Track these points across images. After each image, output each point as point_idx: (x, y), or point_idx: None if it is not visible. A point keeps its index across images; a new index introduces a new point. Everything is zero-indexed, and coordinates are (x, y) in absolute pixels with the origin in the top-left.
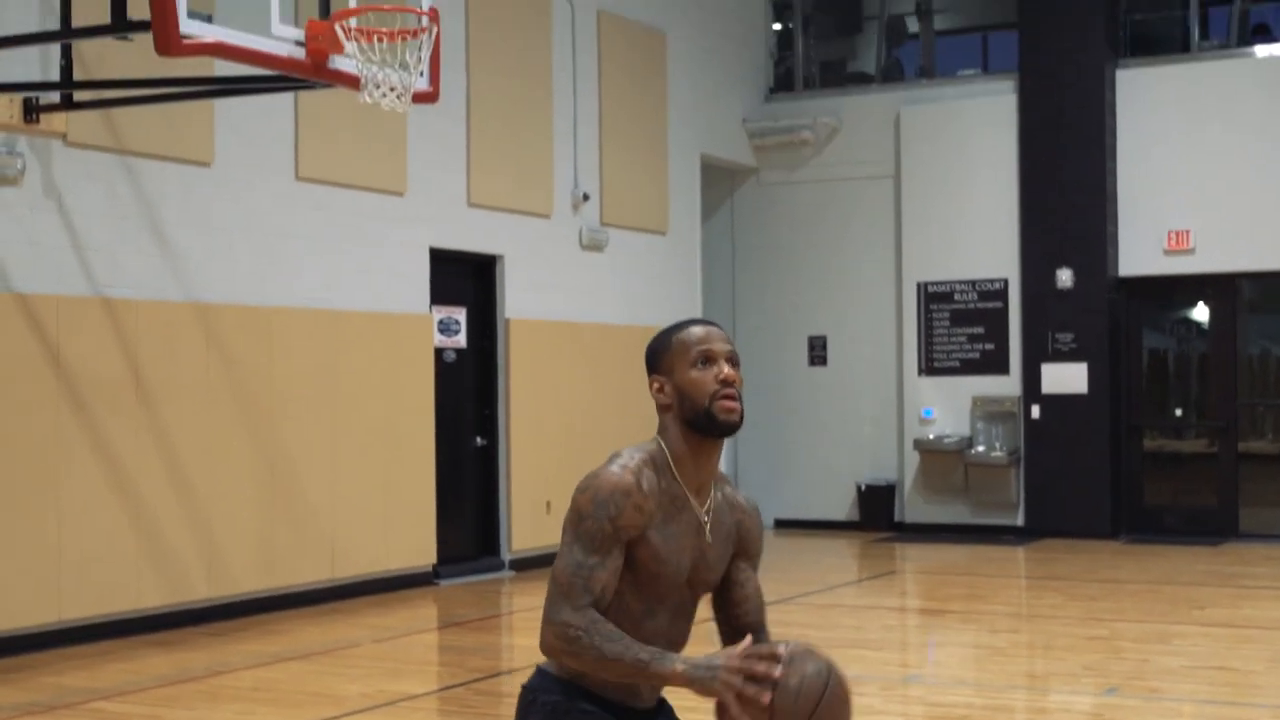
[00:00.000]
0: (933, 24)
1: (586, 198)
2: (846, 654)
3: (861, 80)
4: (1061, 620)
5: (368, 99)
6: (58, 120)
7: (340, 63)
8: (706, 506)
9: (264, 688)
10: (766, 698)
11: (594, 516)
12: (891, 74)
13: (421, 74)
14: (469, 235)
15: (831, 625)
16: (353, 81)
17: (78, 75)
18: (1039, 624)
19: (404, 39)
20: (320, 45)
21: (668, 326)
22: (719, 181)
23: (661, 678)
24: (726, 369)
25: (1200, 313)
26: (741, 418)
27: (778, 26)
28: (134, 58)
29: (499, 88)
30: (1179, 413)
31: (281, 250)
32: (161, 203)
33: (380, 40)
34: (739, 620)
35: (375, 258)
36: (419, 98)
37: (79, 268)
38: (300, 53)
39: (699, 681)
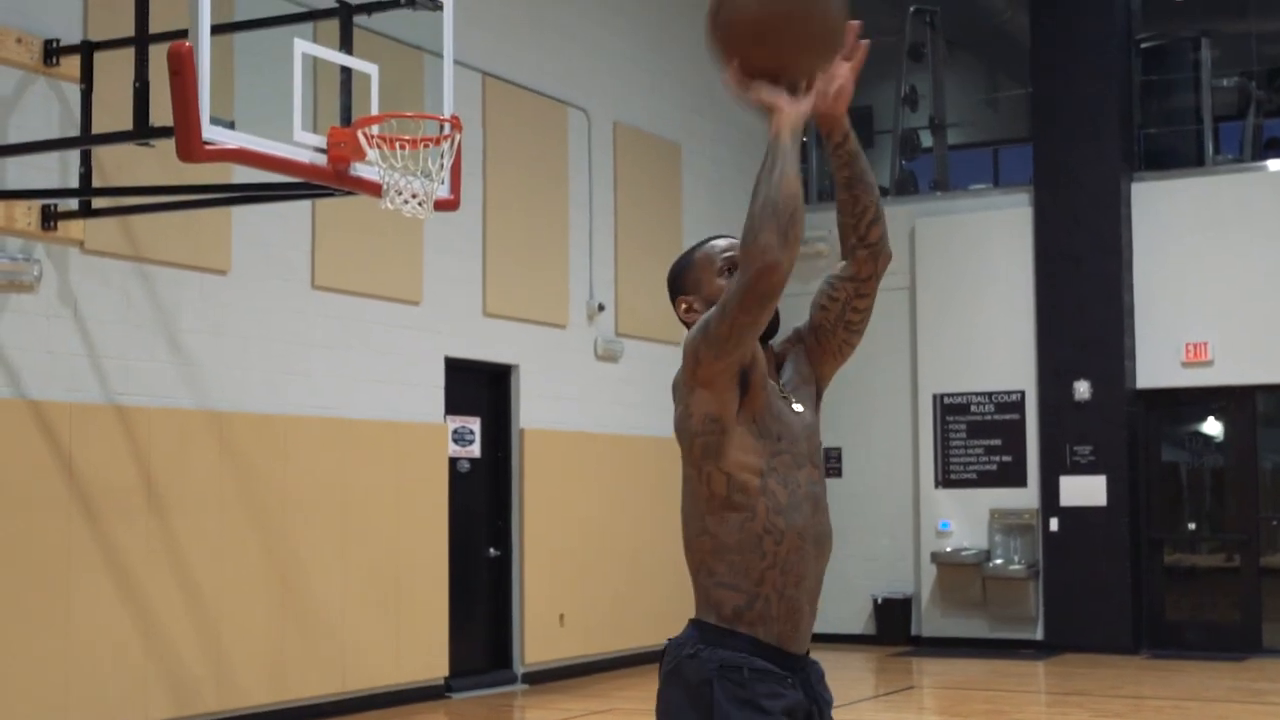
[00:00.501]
0: (946, 138)
1: (602, 308)
2: None
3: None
4: None
5: (389, 206)
6: (75, 227)
7: (361, 170)
8: (781, 381)
9: None
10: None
11: (718, 318)
12: (906, 187)
13: (443, 182)
14: (484, 345)
15: None
16: (374, 189)
17: (96, 182)
18: None
19: (426, 146)
20: (342, 152)
21: (688, 248)
22: None
23: (778, 136)
24: None
25: (1218, 425)
26: (777, 318)
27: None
28: (153, 165)
29: (515, 198)
30: (1196, 526)
31: (297, 358)
32: (177, 310)
33: (402, 147)
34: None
35: (390, 366)
36: (440, 205)
37: (93, 374)
38: (322, 159)
39: (792, 122)
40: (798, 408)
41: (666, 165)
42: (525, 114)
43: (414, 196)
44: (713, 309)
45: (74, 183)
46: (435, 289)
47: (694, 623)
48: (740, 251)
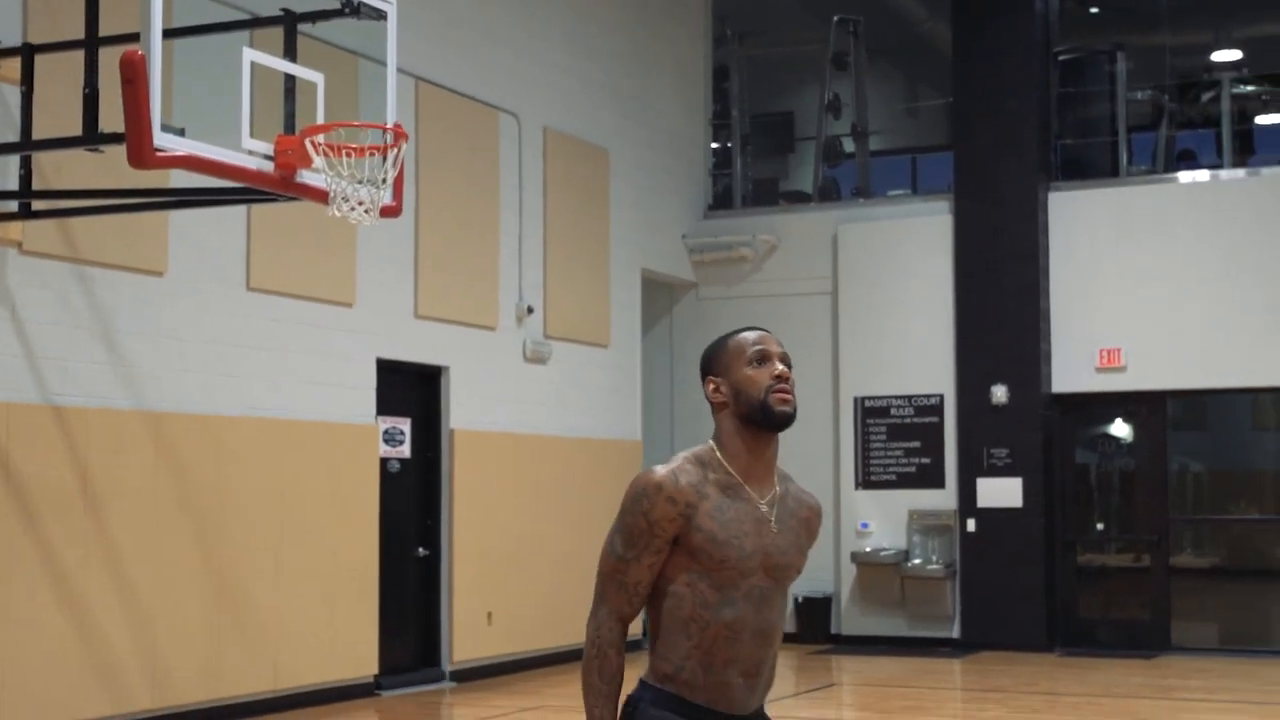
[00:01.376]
0: (868, 145)
1: (531, 311)
2: None
3: (799, 199)
4: None
5: (336, 213)
6: (13, 229)
7: (308, 177)
8: (769, 499)
9: None
10: None
11: (630, 511)
12: (828, 193)
13: (386, 188)
14: (415, 346)
15: None
16: (320, 196)
17: (35, 184)
18: None
19: (372, 154)
20: (289, 159)
21: (721, 336)
22: (658, 296)
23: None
24: (780, 366)
25: (1130, 429)
26: (795, 410)
27: (716, 145)
28: (91, 167)
29: (447, 201)
30: (1108, 527)
31: (231, 359)
32: (114, 311)
33: (348, 155)
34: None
35: (323, 368)
36: (384, 212)
37: (30, 375)
38: (269, 166)
39: None
40: (774, 528)
41: (595, 170)
42: (457, 119)
43: (360, 204)
44: (608, 545)
45: (13, 184)
46: (368, 291)
47: (640, 681)
48: (592, 616)
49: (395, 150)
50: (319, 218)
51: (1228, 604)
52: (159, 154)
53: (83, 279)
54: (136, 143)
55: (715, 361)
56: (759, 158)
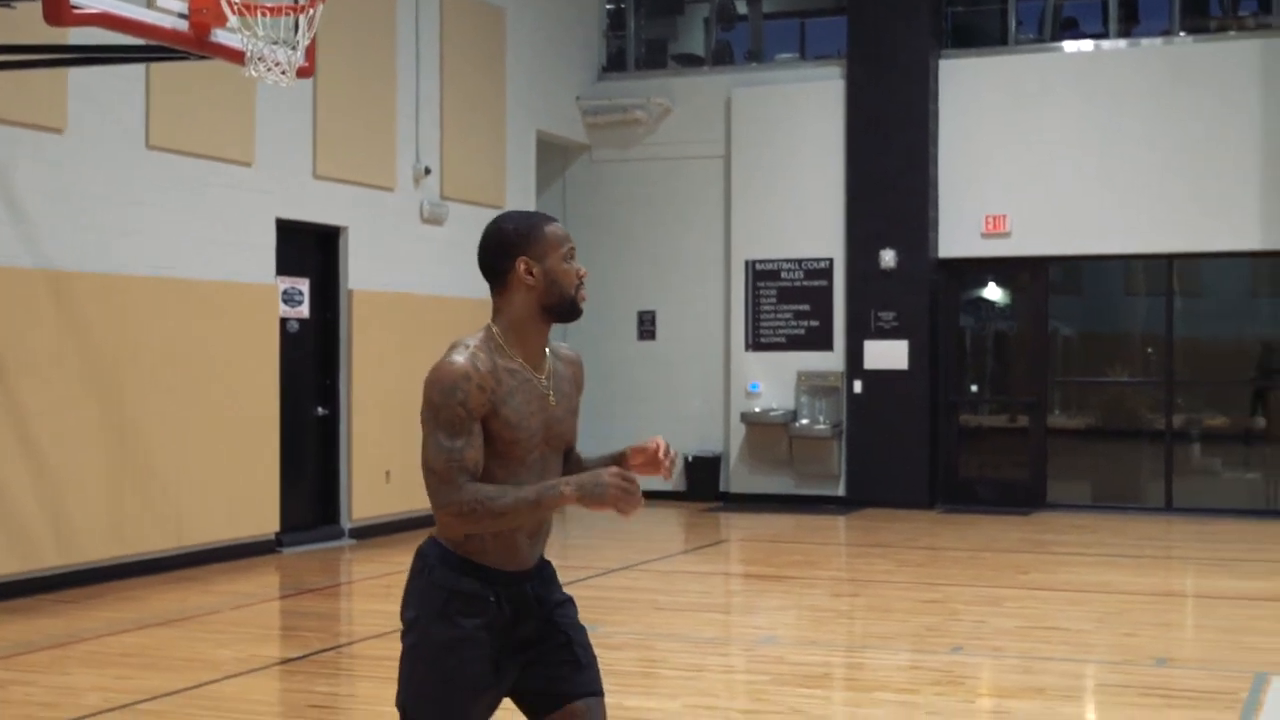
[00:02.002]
0: (761, 9)
1: (428, 171)
2: (701, 618)
3: (691, 62)
4: (896, 585)
5: (252, 74)
6: None
7: (222, 36)
8: (546, 374)
9: (136, 653)
10: (639, 503)
11: (446, 405)
12: (722, 57)
13: (301, 48)
14: (314, 207)
15: (679, 591)
16: (236, 56)
17: None
18: (875, 589)
19: (287, 14)
20: (204, 19)
21: (518, 214)
22: (552, 158)
23: (555, 503)
24: (583, 268)
25: (1014, 294)
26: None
27: (610, 7)
28: None
29: (345, 61)
30: (990, 389)
31: (132, 218)
32: (13, 168)
33: (264, 14)
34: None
35: (223, 227)
36: (299, 73)
37: None
38: (184, 25)
39: (591, 496)
40: (552, 402)
41: (491, 31)
42: None
43: (276, 64)
44: (434, 445)
45: None
46: (267, 151)
47: (431, 538)
48: (451, 508)
49: (312, 11)
50: (219, 76)
51: (1101, 463)
52: (75, 11)
53: None
54: (54, 0)
55: (530, 243)
56: (654, 19)
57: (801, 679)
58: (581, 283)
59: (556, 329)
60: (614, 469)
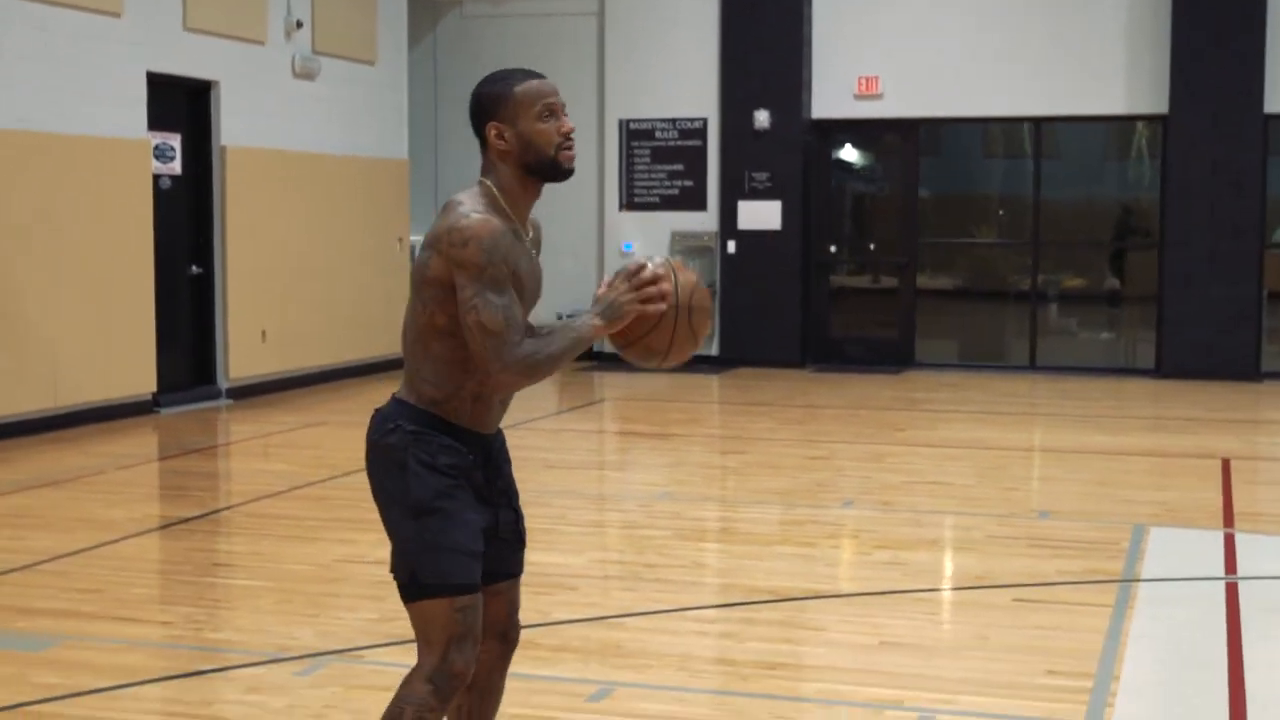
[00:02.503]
0: None
1: (300, 25)
2: (596, 475)
3: None
4: (780, 442)
5: None
6: None
7: None
8: (530, 236)
9: (26, 514)
10: (665, 304)
11: (491, 263)
12: None
13: None
14: (185, 60)
15: (567, 449)
16: None
17: None
18: (761, 446)
19: None
20: None
21: (497, 75)
22: (423, 13)
23: (593, 336)
24: (568, 122)
25: (885, 156)
26: (573, 168)
27: None
28: None
29: None
30: (861, 250)
31: None
32: None
33: None
34: None
35: (93, 81)
36: None
37: None
38: None
39: (615, 318)
40: (538, 260)
41: None
42: None
43: None
44: (487, 304)
45: None
46: (136, 2)
47: (397, 400)
48: (514, 365)
49: None
50: None
51: (967, 323)
52: None
53: None
54: None
55: (499, 106)
56: None
57: (700, 533)
58: (565, 140)
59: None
60: (617, 285)
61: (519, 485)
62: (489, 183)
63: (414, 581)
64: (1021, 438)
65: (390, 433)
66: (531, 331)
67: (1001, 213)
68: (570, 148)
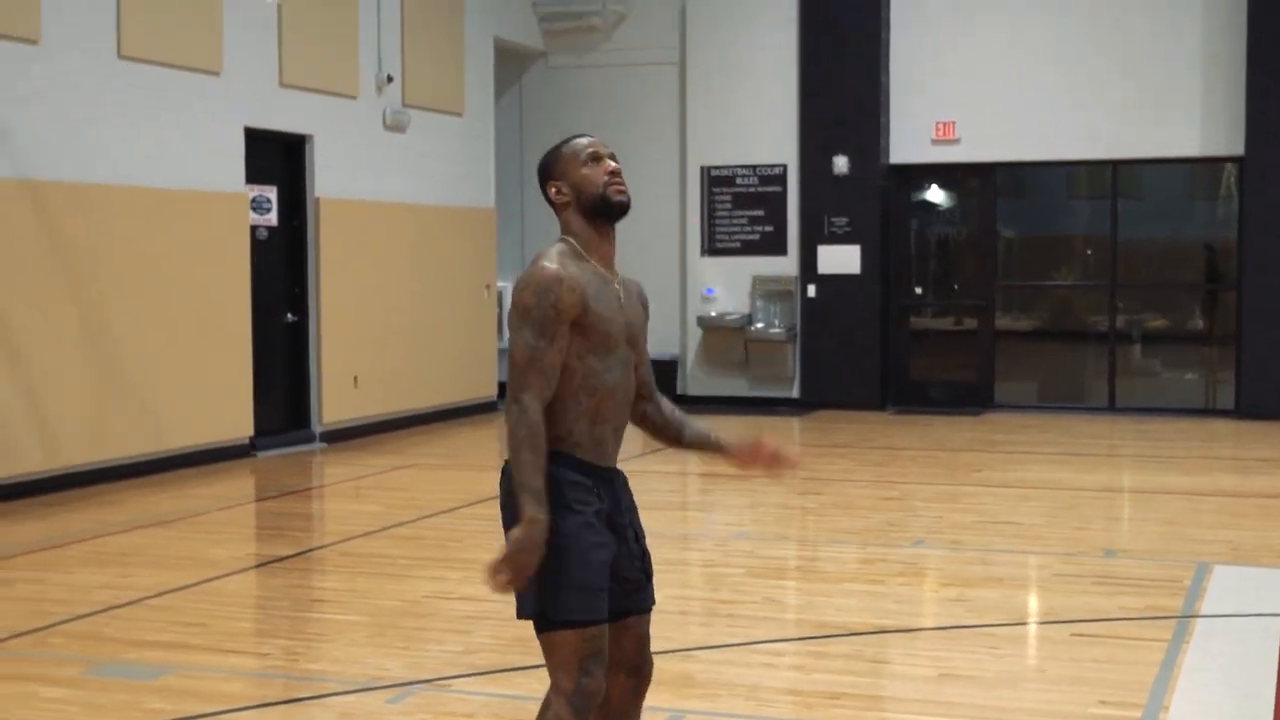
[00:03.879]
0: None
1: (390, 79)
2: (674, 515)
3: None
4: (856, 483)
5: None
6: None
7: None
8: (617, 280)
9: (134, 553)
10: (495, 587)
11: (539, 305)
12: None
13: None
14: (281, 115)
15: (650, 490)
16: None
17: None
18: (838, 487)
19: None
20: None
21: (554, 145)
22: (509, 64)
23: (519, 511)
24: (612, 163)
25: (963, 199)
26: (629, 199)
27: None
28: None
29: None
30: (940, 293)
31: (105, 128)
32: None
33: None
34: (639, 378)
35: (193, 136)
36: None
37: None
38: None
39: (520, 537)
40: (624, 301)
41: None
42: None
43: None
44: (521, 341)
45: None
46: (234, 60)
47: None
48: (514, 403)
49: None
50: None
51: (1046, 364)
52: None
53: None
54: None
55: (553, 166)
56: None
57: (774, 571)
58: (612, 177)
59: None
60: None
61: None
62: (568, 237)
63: (543, 617)
64: (1096, 478)
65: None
66: (651, 398)
67: (1090, 253)
68: (618, 184)
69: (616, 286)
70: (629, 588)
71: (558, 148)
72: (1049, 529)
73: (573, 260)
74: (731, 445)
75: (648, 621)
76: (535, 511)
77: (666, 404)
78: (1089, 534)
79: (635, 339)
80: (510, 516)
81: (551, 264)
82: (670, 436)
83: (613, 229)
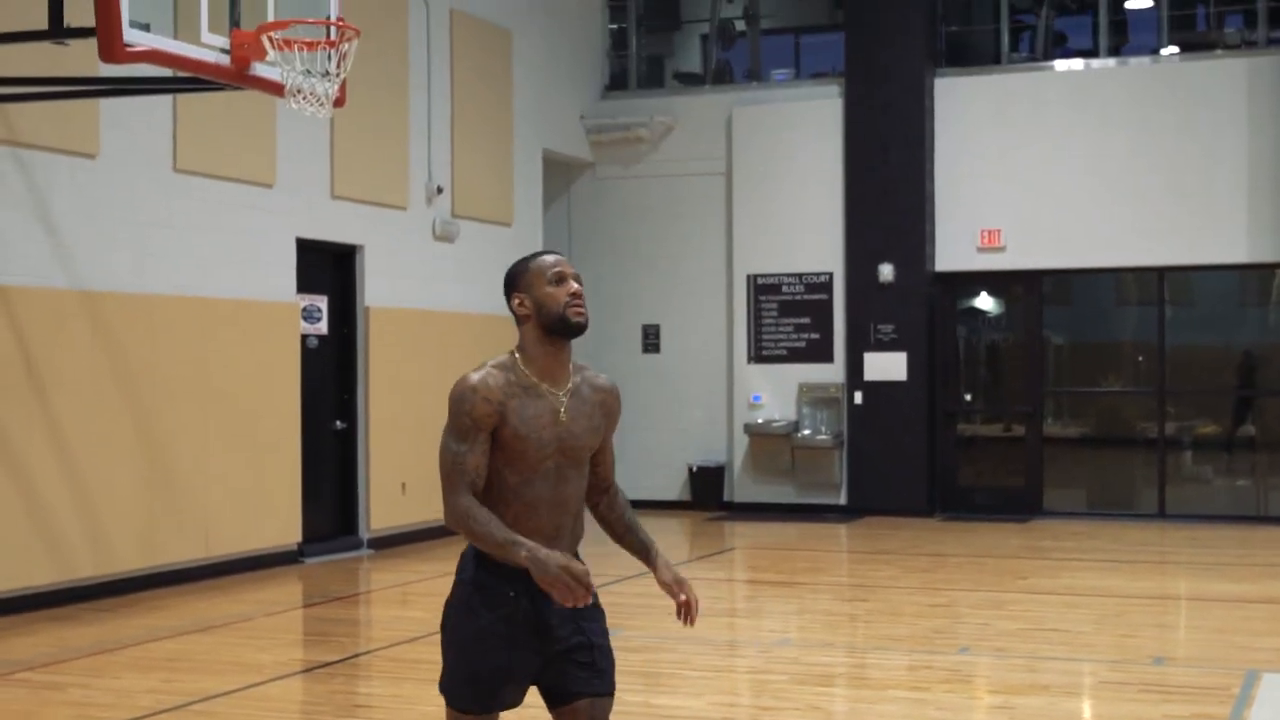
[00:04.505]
0: (759, 26)
1: (440, 190)
2: (719, 622)
3: (692, 80)
4: (902, 590)
5: (293, 105)
6: None
7: (261, 70)
8: (565, 392)
9: (180, 658)
10: (584, 600)
11: (456, 413)
12: (721, 76)
13: (337, 81)
14: (331, 226)
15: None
16: (273, 88)
17: None
18: (882, 593)
19: (323, 49)
20: (245, 53)
21: (521, 259)
22: (558, 175)
23: (514, 558)
24: (575, 285)
25: (1009, 306)
26: (587, 321)
27: (613, 27)
28: (29, 55)
29: (360, 83)
30: (987, 399)
31: (160, 239)
32: (50, 192)
33: (301, 49)
34: (595, 472)
35: (246, 247)
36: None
37: None
38: (226, 60)
39: (540, 571)
40: (564, 417)
41: (499, 51)
42: (368, 1)
43: (314, 96)
44: (444, 448)
45: None
46: (287, 172)
47: (463, 555)
48: (449, 506)
49: (346, 45)
50: (241, 103)
51: (1095, 471)
52: (129, 49)
53: (20, 161)
54: (107, 38)
55: (520, 280)
56: (654, 39)
57: (818, 678)
58: (573, 299)
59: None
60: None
61: (644, 631)
62: (516, 352)
63: (444, 695)
64: (1145, 585)
65: (458, 569)
66: (616, 504)
67: (1141, 359)
68: (578, 305)
69: (561, 398)
70: (575, 671)
71: (525, 262)
72: (1096, 636)
73: (504, 372)
74: (659, 571)
75: (603, 706)
76: (523, 551)
77: (621, 501)
78: (1137, 641)
79: (574, 450)
80: (451, 592)
81: (476, 374)
82: (615, 534)
83: (568, 345)
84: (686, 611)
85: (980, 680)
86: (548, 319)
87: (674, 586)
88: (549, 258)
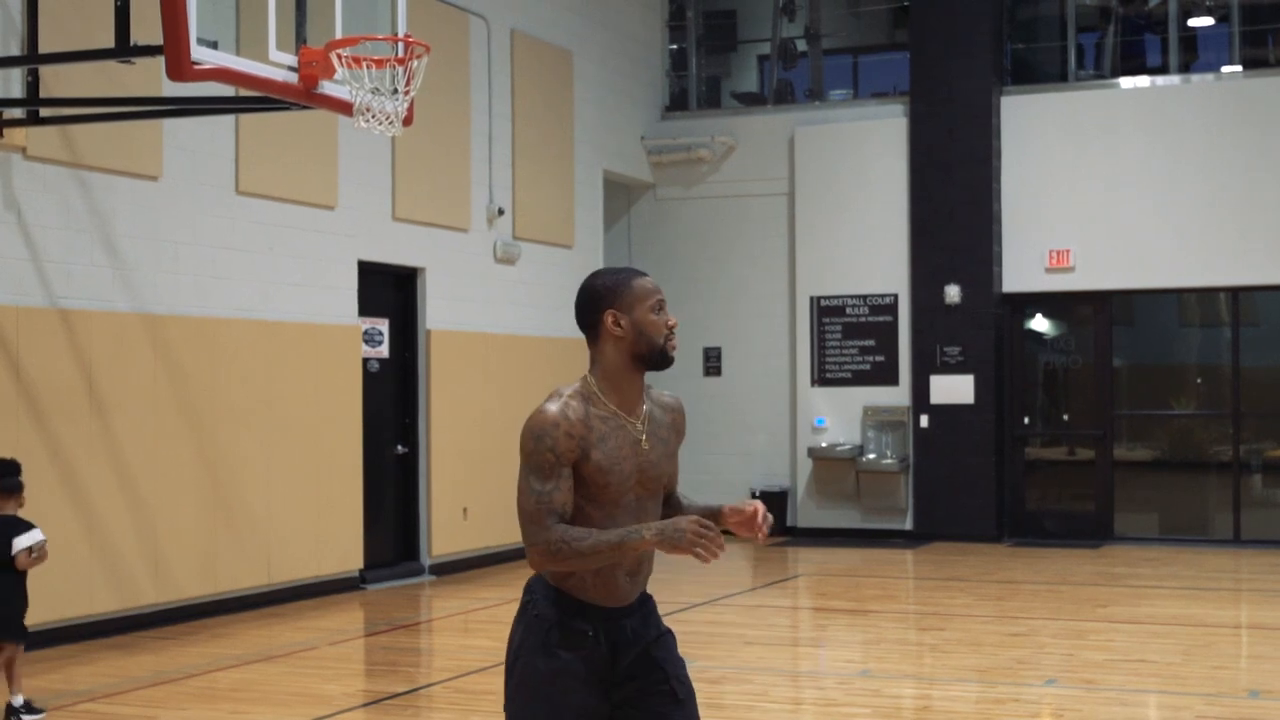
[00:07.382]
0: (820, 46)
1: (501, 212)
2: (794, 651)
3: (753, 100)
4: (979, 619)
5: (361, 124)
6: (19, 134)
7: (329, 88)
8: (642, 420)
9: (246, 688)
10: (722, 548)
11: (536, 451)
12: (784, 96)
13: (406, 99)
14: (393, 248)
15: (766, 625)
16: (340, 106)
17: (40, 92)
18: (959, 622)
19: (393, 66)
20: (313, 71)
21: (611, 270)
22: (619, 197)
23: (637, 547)
24: (673, 318)
25: (1078, 328)
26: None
27: (673, 47)
28: (92, 76)
29: (421, 104)
30: (1056, 422)
31: (222, 262)
32: (112, 216)
33: (369, 67)
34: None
35: (308, 270)
36: (403, 122)
37: (36, 278)
38: (294, 78)
39: (670, 541)
40: (645, 445)
41: (559, 72)
42: (430, 22)
43: (383, 114)
44: (526, 489)
45: (17, 92)
46: (349, 195)
47: (539, 576)
48: (540, 546)
49: (414, 62)
50: (303, 124)
51: (1167, 495)
52: (197, 67)
53: (83, 183)
54: (175, 57)
55: (618, 296)
56: (715, 58)
57: (899, 711)
58: (671, 332)
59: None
60: (693, 517)
61: (719, 662)
62: (590, 376)
63: None
64: (1228, 614)
65: (525, 607)
66: (679, 508)
67: (1200, 381)
68: (674, 341)
69: (639, 426)
70: (662, 706)
71: (626, 279)
72: (1186, 668)
73: (583, 403)
74: (723, 508)
75: None
76: (646, 534)
77: (680, 499)
78: (1230, 673)
79: (653, 480)
80: (516, 630)
81: (554, 406)
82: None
83: (644, 373)
84: (756, 522)
85: (1071, 714)
86: (646, 347)
87: (739, 504)
88: (650, 281)
